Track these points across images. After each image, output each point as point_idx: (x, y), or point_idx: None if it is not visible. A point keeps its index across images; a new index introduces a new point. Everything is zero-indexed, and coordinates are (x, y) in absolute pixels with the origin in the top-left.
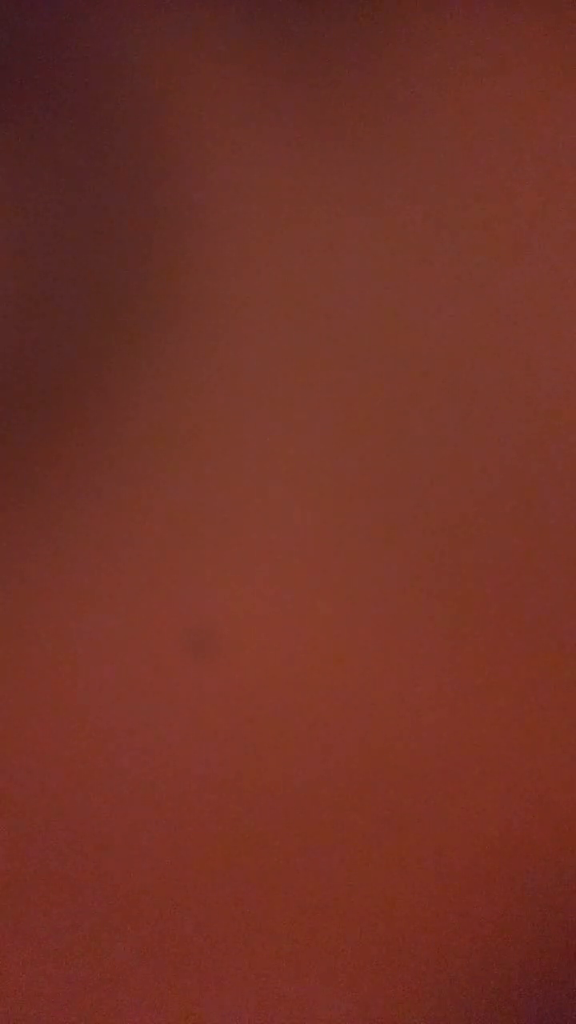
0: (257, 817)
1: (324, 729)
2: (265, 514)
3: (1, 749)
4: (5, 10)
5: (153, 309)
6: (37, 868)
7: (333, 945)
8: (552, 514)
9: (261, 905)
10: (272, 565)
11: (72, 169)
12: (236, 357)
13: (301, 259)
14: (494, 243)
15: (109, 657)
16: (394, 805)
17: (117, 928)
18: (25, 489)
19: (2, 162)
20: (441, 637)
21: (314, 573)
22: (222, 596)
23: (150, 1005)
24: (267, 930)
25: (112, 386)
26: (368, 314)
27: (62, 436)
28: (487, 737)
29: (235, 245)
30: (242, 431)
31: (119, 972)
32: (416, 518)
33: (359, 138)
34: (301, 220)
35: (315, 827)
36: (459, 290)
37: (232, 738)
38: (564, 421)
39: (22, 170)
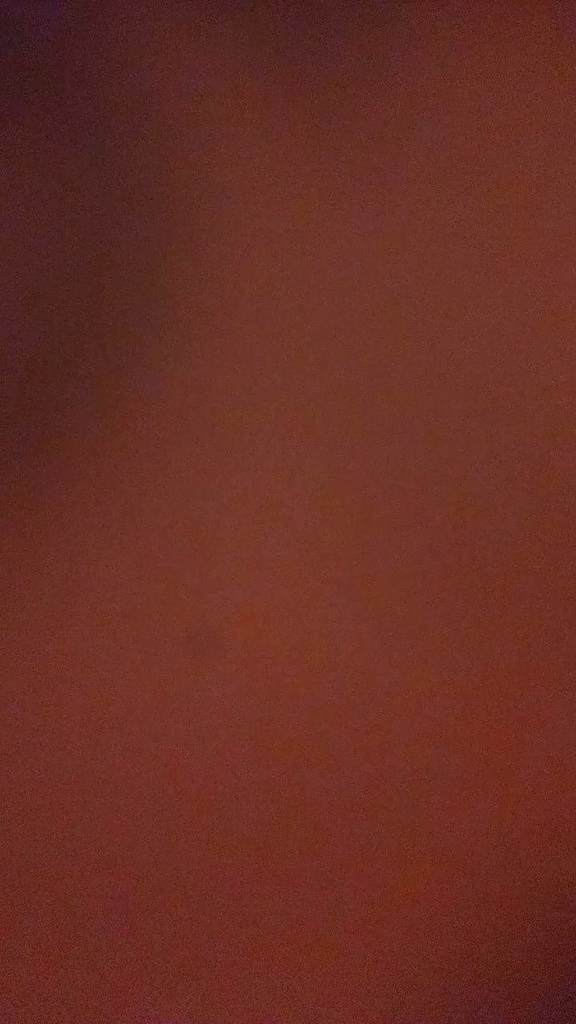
0: (257, 817)
1: (324, 729)
2: (265, 514)
3: (0, 749)
4: (6, 11)
5: (153, 308)
6: (36, 868)
7: (333, 945)
8: (553, 513)
9: (261, 906)
10: (272, 565)
11: (72, 169)
12: (236, 357)
13: (301, 259)
14: (494, 247)
15: (109, 657)
16: (395, 805)
17: (116, 929)
18: (25, 489)
19: (3, 162)
20: (442, 637)
21: (314, 573)
22: (222, 596)
23: (149, 1007)
24: (267, 931)
25: (112, 386)
26: (367, 315)
27: (62, 436)
28: (488, 736)
29: (235, 246)
30: (242, 431)
31: (119, 972)
32: (416, 519)
33: (360, 139)
34: (301, 221)
35: (315, 827)
36: (458, 289)
37: (232, 737)
38: (564, 420)
39: (22, 170)
